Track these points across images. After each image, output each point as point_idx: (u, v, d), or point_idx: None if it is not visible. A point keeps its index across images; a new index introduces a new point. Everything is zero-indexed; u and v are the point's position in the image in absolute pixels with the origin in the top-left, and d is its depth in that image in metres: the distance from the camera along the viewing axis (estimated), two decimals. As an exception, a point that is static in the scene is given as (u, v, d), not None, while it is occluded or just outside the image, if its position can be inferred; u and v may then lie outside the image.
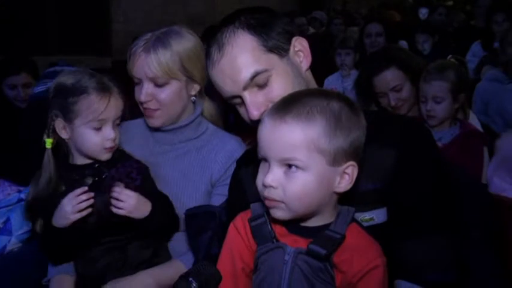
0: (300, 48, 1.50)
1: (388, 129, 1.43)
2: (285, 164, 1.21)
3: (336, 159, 1.22)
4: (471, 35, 5.69)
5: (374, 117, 1.44)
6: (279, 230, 1.29)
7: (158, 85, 1.86)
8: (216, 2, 8.35)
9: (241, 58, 1.42)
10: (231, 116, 3.53)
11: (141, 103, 1.88)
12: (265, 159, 1.25)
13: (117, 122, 1.80)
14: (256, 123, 1.37)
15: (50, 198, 1.77)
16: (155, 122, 1.92)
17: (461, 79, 2.77)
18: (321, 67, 4.16)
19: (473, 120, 3.01)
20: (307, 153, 1.20)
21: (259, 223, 1.30)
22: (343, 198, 1.29)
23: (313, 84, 1.54)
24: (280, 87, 1.43)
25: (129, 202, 1.71)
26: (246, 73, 1.42)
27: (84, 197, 1.70)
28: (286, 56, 1.47)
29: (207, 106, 2.04)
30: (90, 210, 1.72)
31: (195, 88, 1.95)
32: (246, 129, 2.78)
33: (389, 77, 2.82)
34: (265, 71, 1.42)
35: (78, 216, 1.70)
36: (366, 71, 2.99)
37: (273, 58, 1.44)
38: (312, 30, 7.68)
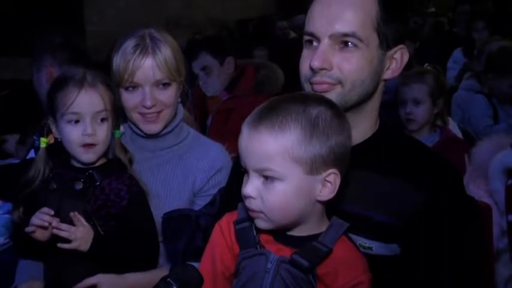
0: (397, 58, 1.40)
1: (419, 167, 1.37)
2: (262, 174, 1.19)
3: (314, 167, 1.18)
4: (453, 42, 5.76)
5: (406, 148, 1.41)
6: (264, 236, 1.26)
7: (161, 87, 1.81)
8: (194, 4, 8.26)
9: (353, 12, 1.33)
10: (209, 120, 3.54)
11: (145, 108, 1.80)
12: (246, 169, 1.23)
13: (101, 118, 1.71)
14: (306, 75, 1.36)
15: (38, 191, 1.74)
16: (156, 128, 1.85)
17: (440, 84, 2.85)
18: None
19: (453, 127, 3.06)
20: (282, 163, 1.17)
21: (244, 227, 1.27)
22: (351, 225, 1.26)
23: (377, 96, 1.42)
24: (355, 66, 1.33)
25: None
26: (345, 26, 1.32)
27: (45, 218, 1.62)
28: (383, 51, 1.37)
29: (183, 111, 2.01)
30: (47, 234, 1.64)
31: (181, 90, 1.91)
32: (223, 133, 2.79)
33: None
34: (359, 40, 1.32)
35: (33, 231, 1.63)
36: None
37: (373, 39, 1.34)
38: (293, 34, 7.66)
